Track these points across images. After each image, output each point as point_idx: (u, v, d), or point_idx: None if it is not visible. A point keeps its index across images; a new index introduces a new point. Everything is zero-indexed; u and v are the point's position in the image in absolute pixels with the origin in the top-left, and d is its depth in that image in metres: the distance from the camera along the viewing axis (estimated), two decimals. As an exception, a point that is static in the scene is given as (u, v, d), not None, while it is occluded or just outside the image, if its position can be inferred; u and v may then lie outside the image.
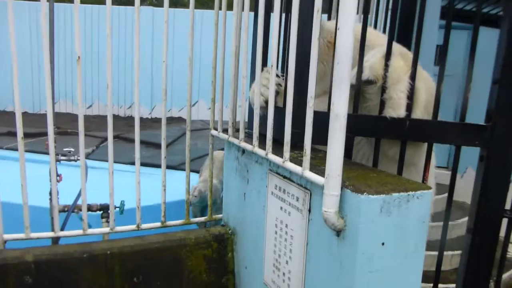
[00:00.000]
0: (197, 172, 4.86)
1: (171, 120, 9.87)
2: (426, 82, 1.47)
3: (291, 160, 1.31)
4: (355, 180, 1.15)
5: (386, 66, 1.40)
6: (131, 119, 10.00)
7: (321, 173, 1.21)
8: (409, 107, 1.41)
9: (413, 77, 1.40)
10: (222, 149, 2.28)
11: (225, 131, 1.84)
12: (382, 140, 1.47)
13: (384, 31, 2.13)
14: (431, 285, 1.62)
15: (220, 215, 2.00)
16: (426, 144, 1.46)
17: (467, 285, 1.46)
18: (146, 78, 9.81)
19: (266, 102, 1.57)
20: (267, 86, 1.57)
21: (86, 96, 9.82)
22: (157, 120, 9.96)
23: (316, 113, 1.17)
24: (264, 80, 1.54)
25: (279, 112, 1.41)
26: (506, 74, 1.32)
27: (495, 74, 1.37)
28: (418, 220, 1.13)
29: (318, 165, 1.30)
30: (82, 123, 1.63)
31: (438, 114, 1.41)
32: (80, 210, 2.70)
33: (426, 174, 1.47)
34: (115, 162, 1.78)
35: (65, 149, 2.92)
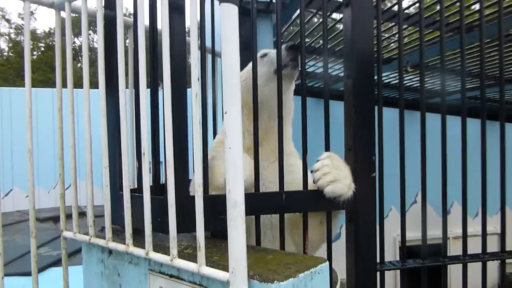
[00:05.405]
0: (18, 275, 3.89)
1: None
2: None
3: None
4: (257, 268, 1.08)
5: None
6: None
7: (217, 265, 1.10)
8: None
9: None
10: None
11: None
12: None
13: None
14: None
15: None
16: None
17: None
18: None
19: None
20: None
21: None
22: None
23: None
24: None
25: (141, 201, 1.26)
26: (358, 141, 1.50)
27: (348, 141, 1.54)
28: (321, 295, 1.12)
29: (209, 256, 1.18)
30: None
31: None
32: None
33: (306, 243, 1.51)
34: None
35: None
